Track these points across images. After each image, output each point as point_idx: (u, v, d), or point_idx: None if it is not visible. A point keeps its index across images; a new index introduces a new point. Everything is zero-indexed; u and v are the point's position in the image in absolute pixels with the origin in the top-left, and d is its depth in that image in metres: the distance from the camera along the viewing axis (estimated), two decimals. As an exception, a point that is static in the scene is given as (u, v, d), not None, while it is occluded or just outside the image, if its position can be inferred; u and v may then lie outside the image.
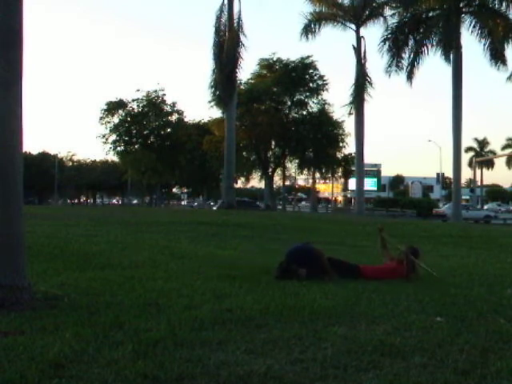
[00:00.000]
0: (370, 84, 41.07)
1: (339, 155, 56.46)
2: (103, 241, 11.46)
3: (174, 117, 65.25)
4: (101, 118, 62.39)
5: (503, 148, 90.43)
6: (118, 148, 63.39)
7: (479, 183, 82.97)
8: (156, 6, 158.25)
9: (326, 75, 55.01)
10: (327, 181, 73.43)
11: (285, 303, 5.53)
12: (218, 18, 34.50)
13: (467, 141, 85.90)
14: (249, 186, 72.84)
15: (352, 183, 58.89)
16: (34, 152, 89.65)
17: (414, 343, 4.22)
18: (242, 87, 49.71)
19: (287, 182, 69.94)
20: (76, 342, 3.95)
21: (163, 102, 63.72)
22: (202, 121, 64.39)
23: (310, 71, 53.58)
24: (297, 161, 57.46)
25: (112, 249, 10.04)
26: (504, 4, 34.50)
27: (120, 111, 62.89)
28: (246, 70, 43.79)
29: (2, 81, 5.25)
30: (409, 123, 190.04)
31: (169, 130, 64.62)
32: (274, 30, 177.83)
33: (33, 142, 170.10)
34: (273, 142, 55.11)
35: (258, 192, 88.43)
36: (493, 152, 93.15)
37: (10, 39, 5.34)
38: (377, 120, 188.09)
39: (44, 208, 40.35)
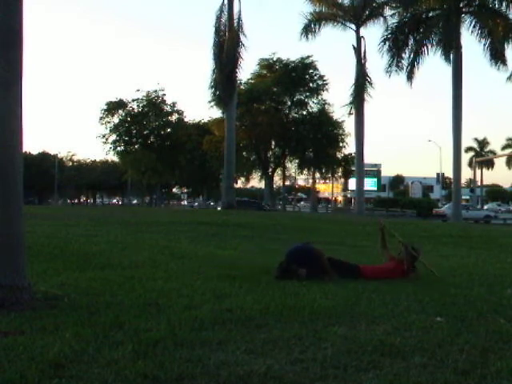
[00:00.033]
0: (370, 84, 41.16)
1: (339, 155, 56.56)
2: (103, 241, 11.46)
3: (174, 117, 65.35)
4: (101, 118, 62.48)
5: (503, 148, 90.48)
6: (118, 148, 63.45)
7: (479, 183, 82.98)
8: (156, 5, 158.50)
9: (325, 75, 55.26)
10: (327, 181, 73.45)
11: (285, 303, 5.53)
12: (218, 18, 34.53)
13: (467, 141, 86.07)
14: (249, 185, 72.96)
15: (352, 183, 58.90)
16: (34, 152, 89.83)
17: (414, 343, 4.22)
18: (242, 87, 49.75)
19: (287, 182, 70.00)
20: (76, 342, 3.95)
21: (163, 101, 63.77)
22: (202, 121, 64.51)
23: (310, 71, 53.66)
24: (297, 161, 57.54)
25: (112, 249, 10.04)
26: (504, 4, 34.52)
27: (120, 111, 62.92)
28: (246, 70, 43.97)
29: (2, 81, 5.25)
30: (409, 123, 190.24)
31: (169, 130, 64.65)
32: (274, 30, 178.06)
33: (33, 142, 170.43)
34: (273, 142, 55.17)
35: (258, 192, 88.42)
36: (493, 152, 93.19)
37: (10, 39, 5.34)
38: (377, 120, 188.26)
39: (44, 208, 40.35)
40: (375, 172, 71.41)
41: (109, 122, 62.59)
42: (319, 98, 54.74)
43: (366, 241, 14.38)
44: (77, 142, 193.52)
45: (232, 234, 15.17)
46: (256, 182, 65.18)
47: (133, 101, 62.67)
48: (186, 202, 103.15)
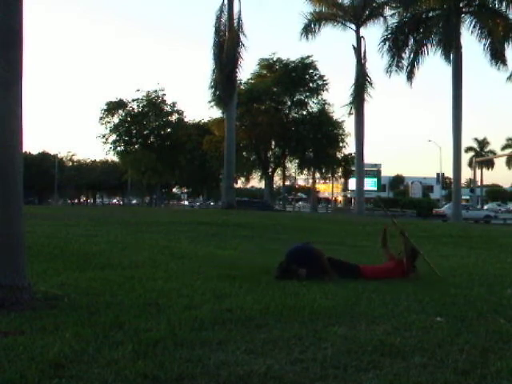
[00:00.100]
0: (370, 84, 41.12)
1: (339, 155, 56.56)
2: (103, 241, 11.46)
3: (174, 117, 65.29)
4: (101, 118, 62.42)
5: (503, 148, 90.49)
6: (118, 148, 63.39)
7: (479, 183, 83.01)
8: (156, 5, 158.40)
9: (325, 75, 55.23)
10: (327, 181, 73.45)
11: (285, 303, 5.53)
12: (218, 18, 34.51)
13: (467, 141, 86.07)
14: (249, 185, 72.95)
15: (352, 183, 58.89)
16: (34, 152, 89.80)
17: (414, 343, 4.22)
18: (242, 87, 49.74)
19: (287, 182, 70.03)
20: (76, 342, 3.95)
21: (163, 101, 63.72)
22: (202, 121, 64.47)
23: (310, 71, 53.65)
24: (297, 161, 57.53)
25: (112, 249, 10.04)
26: (504, 4, 34.52)
27: (120, 111, 62.86)
28: (246, 70, 43.96)
29: (2, 81, 5.25)
30: (409, 123, 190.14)
31: (169, 130, 64.61)
32: (274, 30, 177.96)
33: (33, 142, 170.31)
34: (273, 142, 55.17)
35: (258, 192, 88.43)
36: (493, 152, 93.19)
37: (10, 39, 5.34)
38: (377, 120, 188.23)
39: (44, 208, 40.34)
40: (375, 172, 71.42)
41: (109, 122, 62.60)
42: (319, 97, 54.80)
43: (365, 241, 14.38)
44: (77, 141, 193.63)
45: (232, 233, 15.18)
46: (256, 181, 65.22)
47: (133, 101, 62.66)
48: (186, 202, 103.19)
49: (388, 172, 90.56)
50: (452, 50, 34.97)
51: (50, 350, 3.73)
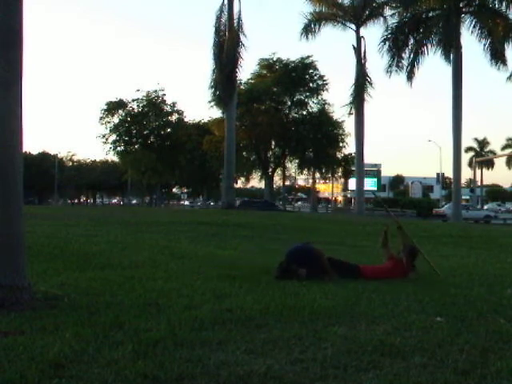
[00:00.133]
0: (370, 84, 41.14)
1: (339, 155, 56.55)
2: (103, 241, 11.46)
3: (174, 117, 65.30)
4: (101, 118, 62.44)
5: (503, 148, 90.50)
6: (118, 148, 63.40)
7: (479, 183, 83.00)
8: (156, 5, 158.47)
9: (325, 75, 55.22)
10: (327, 181, 73.45)
11: (285, 303, 5.53)
12: (218, 18, 34.54)
13: (467, 141, 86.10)
14: (249, 186, 72.96)
15: (352, 183, 58.89)
16: (34, 152, 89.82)
17: (414, 343, 4.22)
18: (242, 87, 49.74)
19: (287, 182, 69.99)
20: (76, 342, 3.95)
21: (163, 101, 63.73)
22: (202, 121, 64.47)
23: (310, 71, 53.63)
24: (297, 161, 57.52)
25: (112, 249, 10.04)
26: (504, 4, 34.54)
27: (120, 111, 62.87)
28: (246, 70, 43.97)
29: (2, 81, 5.25)
30: (409, 123, 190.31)
31: (169, 130, 64.62)
32: (274, 30, 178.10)
33: (33, 142, 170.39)
34: (273, 142, 55.15)
35: (258, 192, 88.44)
36: (493, 152, 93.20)
37: (10, 39, 5.34)
38: (377, 120, 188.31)
39: (44, 208, 40.34)
40: (375, 172, 71.39)
41: (109, 122, 62.61)
42: (319, 98, 54.79)
43: (366, 241, 14.38)
44: (77, 141, 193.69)
45: (232, 233, 15.18)
46: (256, 181, 65.22)
47: (133, 101, 62.68)
48: (187, 202, 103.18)
49: (388, 172, 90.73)
50: (452, 50, 34.98)
51: (50, 350, 3.73)
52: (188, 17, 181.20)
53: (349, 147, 54.39)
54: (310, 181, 65.87)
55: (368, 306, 5.58)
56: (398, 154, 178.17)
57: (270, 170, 56.30)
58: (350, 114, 42.00)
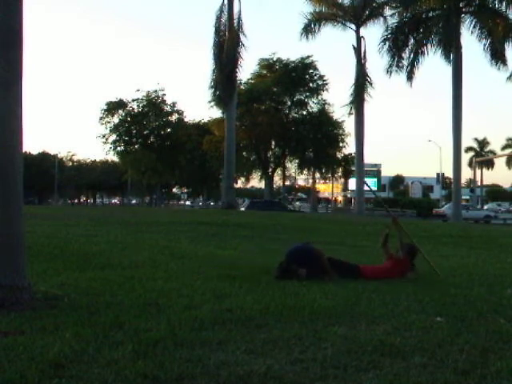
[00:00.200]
0: (370, 84, 41.07)
1: (339, 155, 56.49)
2: (103, 241, 11.45)
3: (174, 117, 65.24)
4: (101, 118, 62.38)
5: (503, 148, 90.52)
6: (118, 148, 63.33)
7: (479, 183, 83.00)
8: (156, 5, 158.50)
9: (325, 75, 55.11)
10: (327, 181, 73.44)
11: (285, 303, 5.53)
12: (218, 18, 34.49)
13: (467, 141, 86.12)
14: (249, 186, 72.94)
15: (352, 183, 58.87)
16: (34, 152, 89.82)
17: (414, 343, 4.22)
18: (242, 87, 49.70)
19: (287, 182, 69.99)
20: (76, 342, 3.95)
21: (163, 101, 63.68)
22: (202, 121, 64.43)
23: (310, 71, 53.59)
24: (297, 161, 57.49)
25: (112, 249, 10.04)
26: (504, 4, 34.51)
27: (120, 111, 62.81)
28: (246, 70, 43.89)
29: (2, 81, 5.25)
30: (409, 123, 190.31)
31: (169, 130, 64.58)
32: (274, 30, 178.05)
33: (33, 142, 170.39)
34: (273, 142, 55.11)
35: (258, 192, 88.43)
36: (493, 152, 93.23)
37: (10, 39, 5.34)
38: (377, 120, 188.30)
39: (44, 208, 40.32)
40: (375, 172, 71.40)
41: (109, 122, 62.54)
42: (319, 98, 54.72)
43: (366, 241, 14.37)
44: (77, 141, 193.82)
45: (232, 233, 15.17)
46: (256, 181, 65.19)
47: (133, 101, 62.61)
48: (188, 202, 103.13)
49: (388, 172, 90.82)
50: (452, 50, 34.96)
51: (50, 350, 3.73)
52: (188, 17, 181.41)
53: (349, 147, 54.42)
54: (310, 181, 65.87)
55: (368, 306, 5.58)
56: (397, 153, 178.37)
57: (270, 170, 56.28)
58: (349, 113, 41.97)
